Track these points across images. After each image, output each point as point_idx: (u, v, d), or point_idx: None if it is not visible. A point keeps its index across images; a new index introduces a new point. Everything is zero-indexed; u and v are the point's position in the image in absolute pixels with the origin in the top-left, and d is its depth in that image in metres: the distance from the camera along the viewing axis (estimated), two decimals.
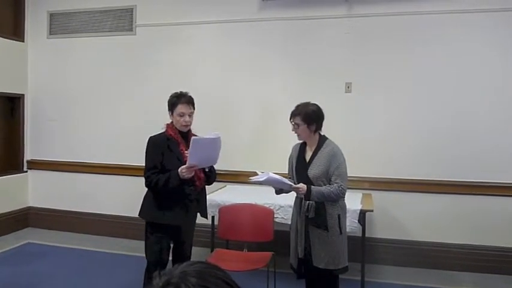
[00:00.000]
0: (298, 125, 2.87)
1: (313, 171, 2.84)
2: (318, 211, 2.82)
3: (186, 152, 2.89)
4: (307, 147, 2.96)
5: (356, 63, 4.40)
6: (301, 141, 3.01)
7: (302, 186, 2.78)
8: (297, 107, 2.91)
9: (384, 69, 4.34)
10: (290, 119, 2.90)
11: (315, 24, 4.50)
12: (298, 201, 2.94)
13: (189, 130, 3.12)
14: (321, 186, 2.80)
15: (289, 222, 3.71)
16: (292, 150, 3.07)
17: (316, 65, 4.51)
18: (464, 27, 4.16)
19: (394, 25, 4.31)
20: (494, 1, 4.07)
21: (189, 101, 3.09)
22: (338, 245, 2.85)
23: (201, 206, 3.17)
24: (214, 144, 2.81)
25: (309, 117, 2.84)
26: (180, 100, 3.05)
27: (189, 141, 2.83)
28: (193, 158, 2.76)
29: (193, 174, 2.85)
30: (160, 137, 3.04)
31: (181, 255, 3.09)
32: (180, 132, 3.06)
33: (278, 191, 2.98)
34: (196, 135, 3.02)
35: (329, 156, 2.84)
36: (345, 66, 4.42)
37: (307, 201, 2.82)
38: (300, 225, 2.90)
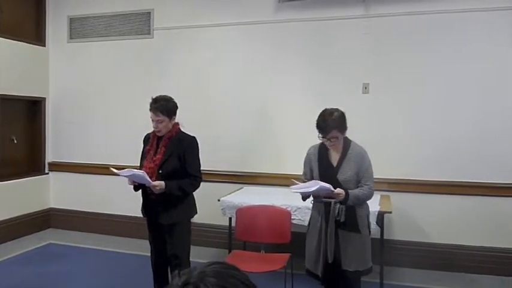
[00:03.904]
0: (336, 137, 2.78)
1: (343, 174, 2.79)
2: (348, 214, 2.77)
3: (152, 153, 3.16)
4: (331, 151, 2.88)
5: (374, 63, 4.36)
6: (318, 144, 2.95)
7: (341, 191, 2.72)
8: (325, 121, 2.74)
9: (402, 69, 4.30)
10: (324, 136, 2.77)
11: (331, 25, 4.49)
12: (323, 205, 2.85)
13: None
14: (351, 189, 2.77)
15: (307, 224, 3.71)
16: (310, 154, 2.99)
17: (334, 66, 4.49)
18: (486, 26, 4.07)
19: (412, 25, 4.26)
20: None
21: (157, 108, 3.08)
22: (367, 246, 2.86)
23: (166, 208, 3.10)
24: (137, 176, 3.00)
25: (343, 125, 2.80)
26: (150, 106, 3.13)
27: (162, 142, 3.13)
28: (125, 173, 3.06)
29: (131, 183, 3.12)
30: (147, 135, 3.33)
31: (169, 253, 3.15)
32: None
33: (305, 197, 2.92)
34: (185, 134, 3.21)
35: (358, 158, 2.82)
36: (363, 66, 4.39)
37: (338, 205, 2.75)
38: (330, 229, 2.80)
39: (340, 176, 2.79)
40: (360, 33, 4.39)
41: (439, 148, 4.21)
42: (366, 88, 4.39)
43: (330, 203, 2.78)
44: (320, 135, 2.79)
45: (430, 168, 4.22)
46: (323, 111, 2.84)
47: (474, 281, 3.96)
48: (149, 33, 5.12)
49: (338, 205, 2.76)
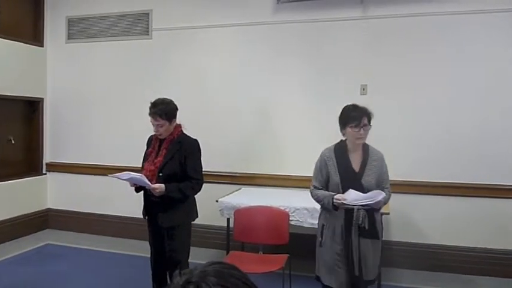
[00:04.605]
0: (367, 126, 2.70)
1: (368, 179, 2.70)
2: (370, 220, 2.65)
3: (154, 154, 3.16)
4: (351, 154, 2.76)
5: (371, 65, 4.37)
6: (332, 148, 2.82)
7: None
8: (353, 110, 2.70)
9: (400, 71, 4.31)
10: (357, 124, 2.66)
11: (329, 26, 4.49)
12: (343, 212, 2.67)
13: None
14: None
15: (305, 225, 3.71)
16: (326, 157, 2.79)
17: (332, 67, 4.49)
18: (484, 27, 4.09)
19: (410, 26, 4.27)
20: None
21: (156, 112, 3.05)
22: (380, 252, 2.78)
23: (167, 210, 3.07)
24: (135, 179, 3.02)
25: (371, 117, 2.73)
26: (149, 110, 3.10)
27: (164, 145, 3.11)
28: (123, 177, 3.05)
29: (132, 185, 3.13)
30: (150, 137, 3.30)
31: (168, 255, 3.13)
32: None
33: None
34: (186, 137, 3.20)
35: (379, 162, 2.76)
36: (360, 68, 4.40)
37: (361, 212, 2.61)
38: (354, 238, 2.65)
39: (365, 182, 2.68)
40: (358, 34, 4.40)
41: (437, 149, 4.22)
42: (364, 89, 4.40)
43: (352, 209, 2.62)
44: (352, 125, 2.67)
45: (428, 170, 4.22)
46: (345, 106, 2.78)
47: (472, 282, 3.97)
48: (148, 34, 5.12)
49: (362, 211, 2.60)
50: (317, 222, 3.59)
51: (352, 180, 2.68)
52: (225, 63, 4.83)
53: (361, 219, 2.61)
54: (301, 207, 3.71)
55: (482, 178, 4.10)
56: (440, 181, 4.19)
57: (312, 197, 2.84)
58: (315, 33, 4.54)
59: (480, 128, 4.12)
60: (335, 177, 2.73)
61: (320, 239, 2.79)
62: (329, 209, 2.71)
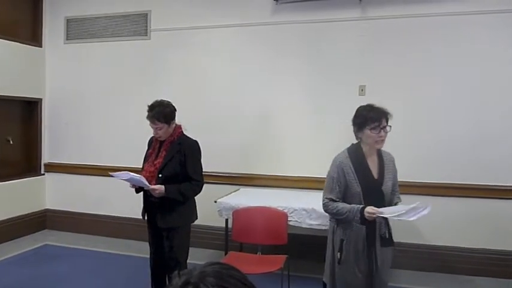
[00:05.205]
0: (387, 127, 2.53)
1: (387, 186, 2.57)
2: (388, 227, 2.57)
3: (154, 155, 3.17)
4: (367, 159, 2.59)
5: (370, 65, 4.37)
6: (346, 153, 2.62)
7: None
8: (371, 110, 2.53)
9: (398, 71, 4.31)
10: (378, 125, 2.51)
11: (328, 27, 4.50)
12: (366, 223, 2.48)
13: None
14: (391, 200, 2.61)
15: (303, 226, 3.71)
16: (343, 167, 2.55)
17: (330, 67, 4.50)
18: (483, 28, 4.09)
19: (408, 27, 4.27)
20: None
21: (153, 116, 3.05)
22: None
23: (166, 212, 3.08)
24: (135, 180, 3.03)
25: (388, 118, 2.55)
26: (147, 114, 3.10)
27: (164, 146, 3.12)
28: (122, 176, 3.05)
29: (132, 185, 3.14)
30: (151, 138, 3.29)
31: (167, 256, 3.12)
32: None
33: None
34: (186, 138, 3.20)
35: (392, 165, 2.64)
36: (359, 69, 4.40)
37: (382, 222, 2.50)
38: (377, 250, 2.53)
39: (384, 189, 2.55)
40: (357, 35, 4.40)
41: (436, 150, 4.22)
42: (362, 90, 4.40)
43: (374, 220, 2.45)
44: (371, 127, 2.51)
45: (427, 170, 4.22)
46: (360, 107, 2.60)
47: (473, 283, 3.97)
48: (146, 35, 5.11)
49: (382, 221, 2.49)
50: (315, 222, 3.63)
51: (373, 189, 2.52)
52: (224, 64, 4.82)
53: (383, 229, 2.52)
54: (300, 207, 3.71)
55: (481, 179, 4.10)
56: (439, 182, 4.19)
57: (329, 210, 2.58)
58: (313, 33, 4.55)
59: (479, 128, 4.12)
60: (356, 187, 2.52)
61: (338, 255, 2.54)
62: (352, 222, 2.50)
